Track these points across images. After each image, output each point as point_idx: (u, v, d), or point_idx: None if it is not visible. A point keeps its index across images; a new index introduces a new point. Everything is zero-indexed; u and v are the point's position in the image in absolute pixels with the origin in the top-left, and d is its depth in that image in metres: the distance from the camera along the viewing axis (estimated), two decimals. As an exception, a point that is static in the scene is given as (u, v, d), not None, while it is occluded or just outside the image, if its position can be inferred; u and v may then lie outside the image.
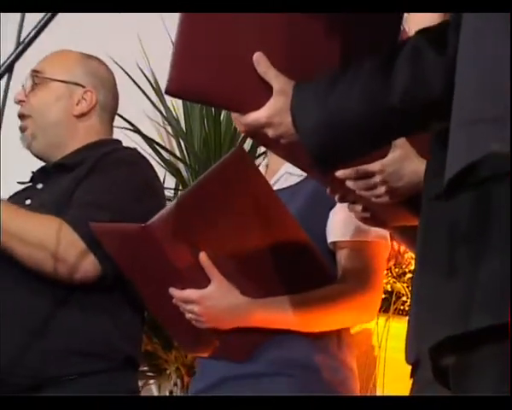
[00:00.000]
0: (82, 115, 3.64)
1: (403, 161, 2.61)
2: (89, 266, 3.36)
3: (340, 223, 3.10)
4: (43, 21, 2.33)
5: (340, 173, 2.60)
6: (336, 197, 2.80)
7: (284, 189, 3.16)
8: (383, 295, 4.05)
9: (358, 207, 2.77)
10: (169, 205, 3.11)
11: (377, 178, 2.60)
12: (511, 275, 1.79)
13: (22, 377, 3.42)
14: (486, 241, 1.96)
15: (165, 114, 5.32)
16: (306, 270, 3.09)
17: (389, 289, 4.15)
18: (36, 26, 2.32)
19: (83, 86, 3.64)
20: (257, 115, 2.35)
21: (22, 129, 3.63)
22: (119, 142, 3.80)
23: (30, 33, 2.31)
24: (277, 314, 3.11)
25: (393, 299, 4.26)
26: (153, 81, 5.11)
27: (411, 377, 2.29)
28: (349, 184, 2.64)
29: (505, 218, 1.92)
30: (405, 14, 2.65)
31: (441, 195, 2.10)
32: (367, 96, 2.29)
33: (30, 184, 3.70)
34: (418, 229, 2.32)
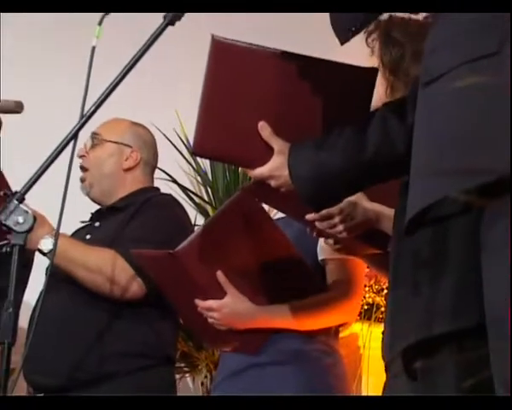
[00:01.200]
0: (129, 169, 3.74)
1: (355, 205, 2.67)
2: (136, 287, 3.45)
3: (324, 250, 3.17)
4: (101, 98, 2.47)
5: (309, 217, 2.68)
6: (314, 234, 2.84)
7: (281, 218, 3.20)
8: (366, 307, 4.13)
9: (331, 241, 2.82)
10: (191, 236, 3.15)
11: (336, 219, 2.67)
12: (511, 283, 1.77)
13: (83, 373, 3.48)
14: (444, 266, 2.06)
15: (195, 167, 5.43)
16: (300, 282, 3.13)
17: (371, 302, 4.16)
18: (95, 103, 2.46)
19: (130, 147, 3.74)
20: (262, 170, 2.45)
21: (82, 180, 3.72)
22: (158, 189, 3.89)
23: (90, 109, 2.45)
24: (279, 317, 3.15)
25: (374, 309, 4.26)
26: (186, 142, 5.20)
27: (386, 371, 2.37)
28: (317, 224, 2.71)
29: (459, 248, 2.02)
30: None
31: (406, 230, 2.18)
32: (347, 154, 2.36)
33: (89, 222, 3.79)
34: (390, 256, 2.40)
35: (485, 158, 1.82)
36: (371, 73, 2.52)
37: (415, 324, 2.15)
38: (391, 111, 2.38)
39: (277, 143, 2.44)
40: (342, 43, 2.23)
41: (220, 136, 2.51)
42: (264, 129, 2.45)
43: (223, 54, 2.47)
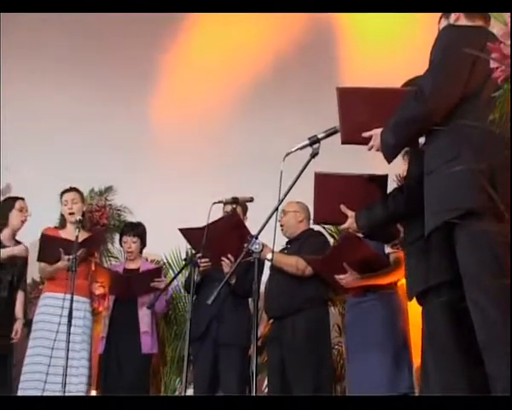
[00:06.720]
0: (301, 221, 3.72)
1: None
2: (308, 271, 3.47)
3: (387, 247, 3.13)
4: (280, 202, 2.41)
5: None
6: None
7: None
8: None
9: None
10: (329, 249, 3.29)
11: None
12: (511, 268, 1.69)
13: (290, 308, 3.45)
14: (431, 252, 2.06)
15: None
16: (378, 263, 3.09)
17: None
18: (280, 200, 2.40)
19: (299, 212, 3.75)
20: (344, 226, 2.48)
21: (282, 229, 3.72)
22: (313, 229, 3.75)
23: (279, 202, 2.41)
24: (371, 279, 3.11)
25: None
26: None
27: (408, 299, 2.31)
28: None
29: (438, 244, 1.98)
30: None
31: (413, 241, 2.19)
32: (380, 213, 2.36)
33: (286, 245, 3.77)
34: (405, 251, 2.36)
35: (456, 203, 1.83)
36: (385, 177, 2.47)
37: (420, 280, 2.13)
38: (397, 191, 2.37)
39: (349, 213, 2.46)
40: (389, 162, 2.09)
41: (325, 213, 2.56)
42: (343, 207, 2.48)
43: (322, 180, 2.48)
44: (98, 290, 3.95)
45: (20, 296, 4.01)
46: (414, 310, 2.54)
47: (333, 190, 2.47)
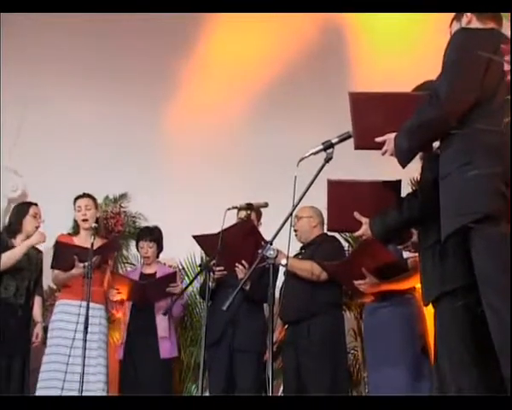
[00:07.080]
0: (314, 226, 3.69)
1: None
2: (323, 276, 3.46)
3: (405, 252, 3.01)
4: (293, 208, 2.37)
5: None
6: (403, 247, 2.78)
7: None
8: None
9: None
10: (348, 255, 3.24)
11: None
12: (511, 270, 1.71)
13: (305, 313, 3.48)
14: (447, 258, 2.06)
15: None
16: (397, 268, 3.05)
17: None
18: (293, 206, 2.37)
19: (313, 217, 3.73)
20: (358, 233, 2.47)
21: (296, 235, 3.71)
22: (327, 234, 3.64)
23: (293, 208, 2.38)
24: (391, 285, 3.09)
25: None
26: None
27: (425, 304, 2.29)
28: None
29: (453, 249, 1.98)
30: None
31: (428, 246, 2.17)
32: (394, 218, 2.33)
33: (300, 250, 3.70)
34: (420, 256, 2.32)
35: (472, 207, 1.84)
36: (398, 182, 2.46)
37: (435, 286, 2.13)
38: (411, 196, 2.35)
39: (363, 220, 2.46)
40: (403, 167, 2.08)
41: (339, 221, 2.54)
42: (357, 214, 2.47)
43: (335, 187, 2.48)
44: (115, 297, 3.95)
45: (37, 300, 4.00)
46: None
47: (346, 197, 2.46)
